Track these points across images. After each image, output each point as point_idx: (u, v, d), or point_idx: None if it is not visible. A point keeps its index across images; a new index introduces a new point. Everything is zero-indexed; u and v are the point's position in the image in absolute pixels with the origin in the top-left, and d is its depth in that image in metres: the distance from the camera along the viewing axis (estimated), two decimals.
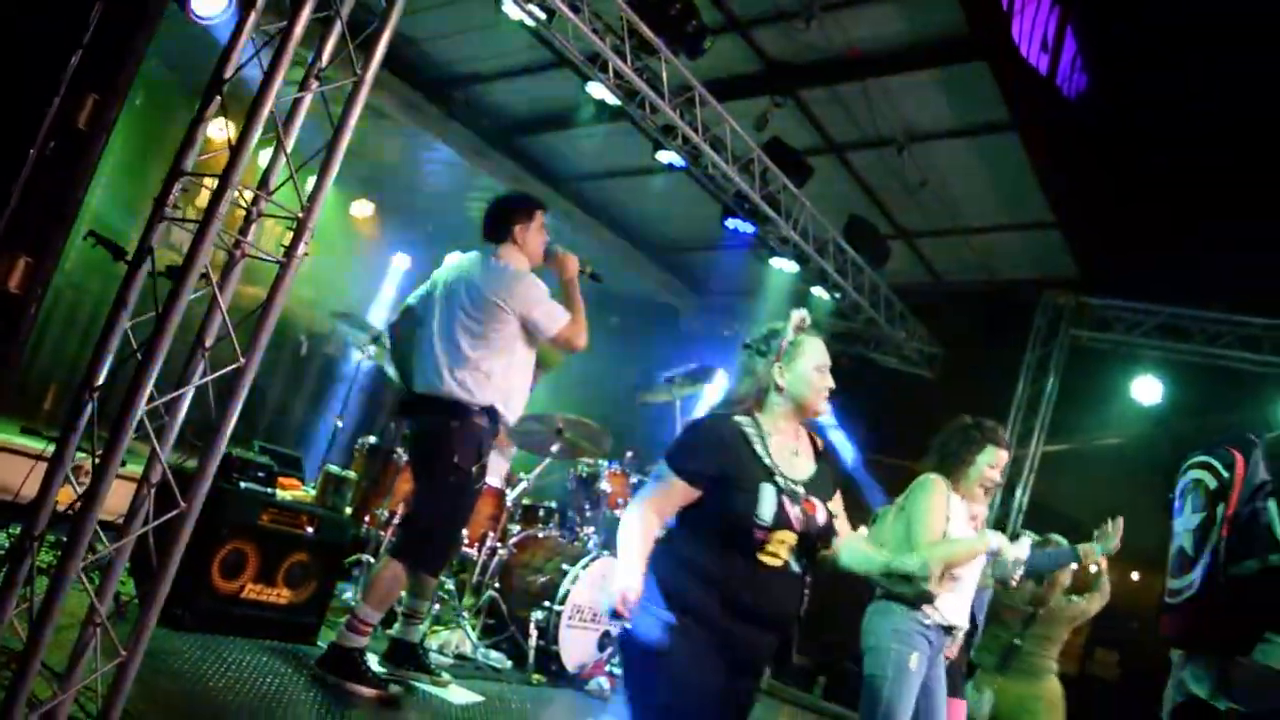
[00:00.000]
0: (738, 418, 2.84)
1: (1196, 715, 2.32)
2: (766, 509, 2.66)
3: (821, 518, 2.80)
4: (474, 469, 4.26)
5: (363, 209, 10.36)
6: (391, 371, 5.70)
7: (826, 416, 3.14)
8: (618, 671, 6.17)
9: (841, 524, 2.96)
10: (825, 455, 3.00)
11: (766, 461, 2.77)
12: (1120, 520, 5.21)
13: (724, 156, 7.21)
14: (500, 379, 4.29)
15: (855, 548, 3.04)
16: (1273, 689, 1.49)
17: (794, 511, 2.72)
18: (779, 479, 2.76)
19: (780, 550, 2.70)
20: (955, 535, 4.00)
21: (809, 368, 2.88)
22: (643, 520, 2.70)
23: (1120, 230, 8.11)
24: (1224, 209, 7.17)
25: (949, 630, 4.06)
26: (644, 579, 2.63)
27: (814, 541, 2.80)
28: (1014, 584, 4.61)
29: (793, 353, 2.89)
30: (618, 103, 6.72)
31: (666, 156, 7.24)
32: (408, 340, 4.53)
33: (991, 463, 4.21)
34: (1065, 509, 10.13)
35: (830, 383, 2.92)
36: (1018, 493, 9.36)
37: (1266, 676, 1.53)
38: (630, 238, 10.69)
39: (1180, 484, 2.70)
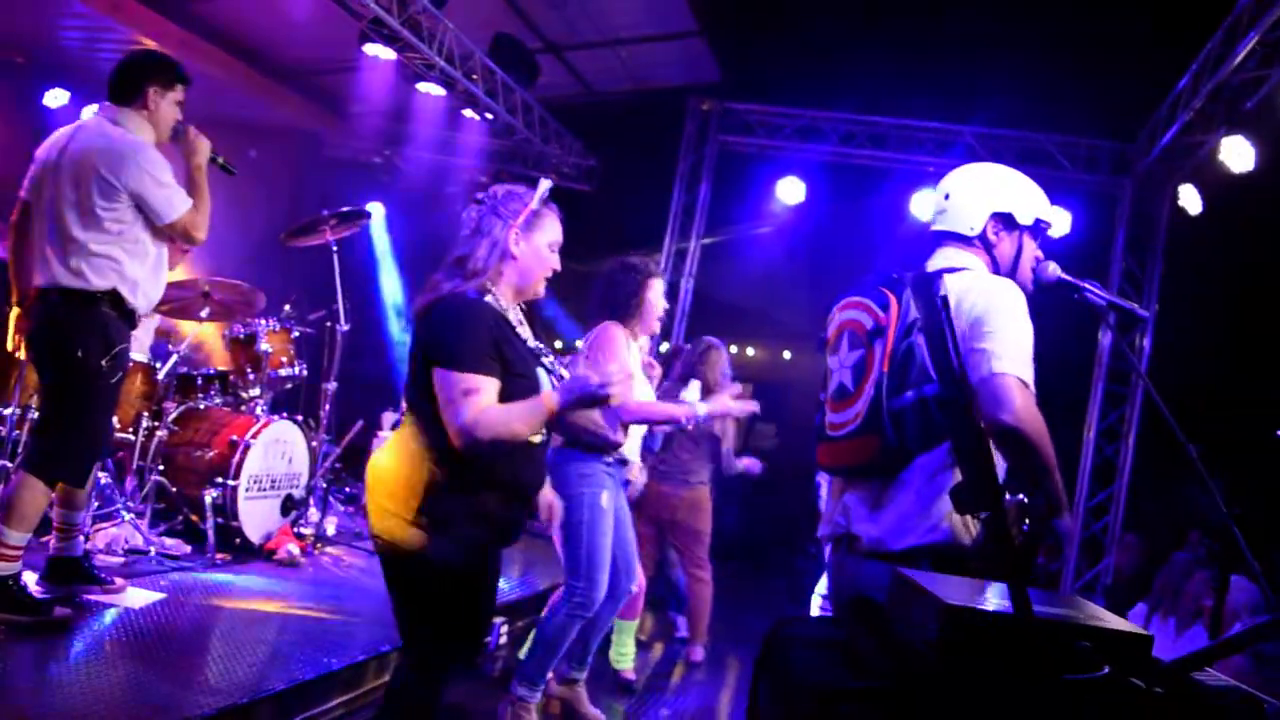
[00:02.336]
0: (486, 299, 2.68)
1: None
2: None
3: None
4: (104, 362, 3.79)
5: None
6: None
7: None
8: (305, 532, 6.05)
9: None
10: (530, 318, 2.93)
11: (531, 344, 2.70)
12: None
13: None
14: (124, 267, 3.80)
15: None
16: (907, 597, 1.64)
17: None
18: (543, 360, 2.73)
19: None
20: (636, 378, 4.19)
21: (544, 243, 2.76)
22: (506, 415, 2.53)
23: (760, 37, 8.35)
24: (850, 10, 7.51)
25: (625, 462, 4.32)
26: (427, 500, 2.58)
27: None
28: (690, 428, 4.93)
29: (533, 223, 2.74)
30: None
31: None
32: (24, 238, 3.91)
33: (659, 293, 4.38)
34: (725, 297, 10.80)
35: (558, 264, 2.80)
36: (683, 285, 9.77)
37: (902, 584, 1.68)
38: (258, 63, 9.74)
39: (833, 323, 2.87)
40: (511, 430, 2.52)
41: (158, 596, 4.42)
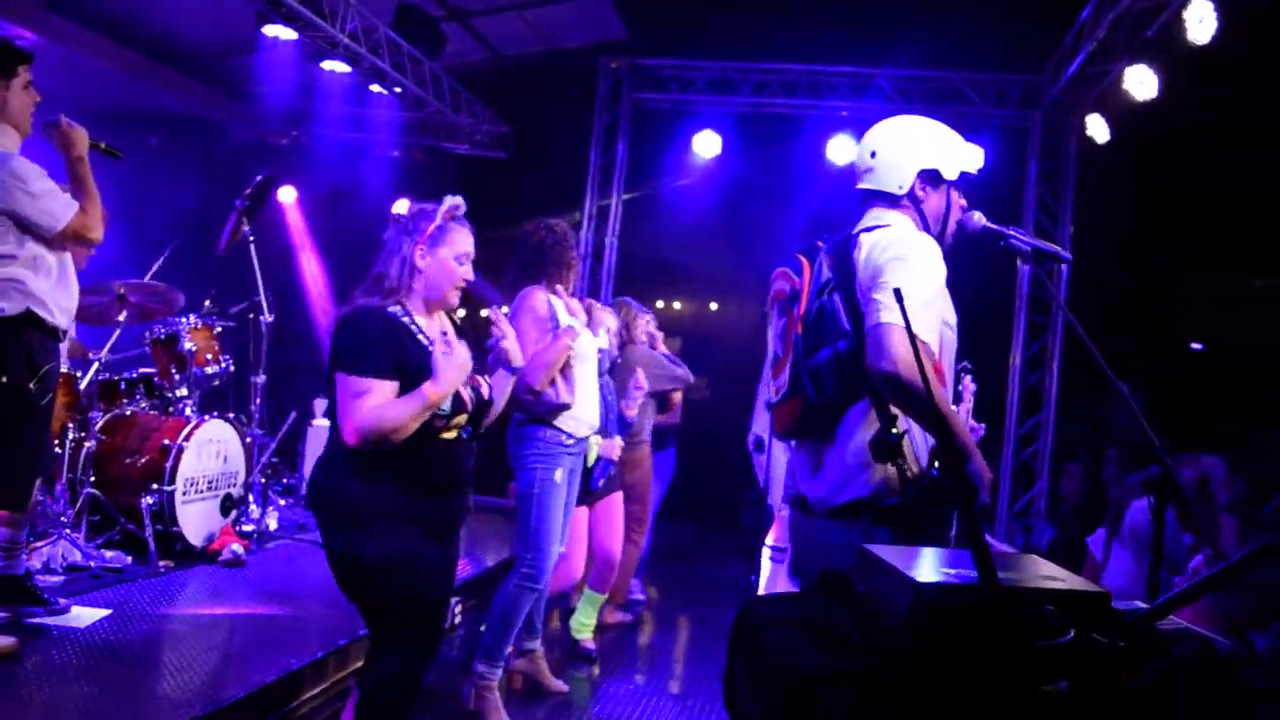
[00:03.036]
0: (390, 309, 2.79)
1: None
2: (445, 400, 2.72)
3: (484, 390, 2.93)
4: (32, 384, 3.67)
5: None
6: None
7: None
8: (247, 530, 5.97)
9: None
10: (462, 329, 3.07)
11: (431, 349, 2.77)
12: None
13: None
14: (28, 285, 3.63)
15: None
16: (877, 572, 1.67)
17: (466, 394, 2.81)
18: None
19: (455, 428, 2.83)
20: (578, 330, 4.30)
21: (450, 256, 2.85)
22: (383, 410, 2.66)
23: None
24: None
25: (584, 439, 4.40)
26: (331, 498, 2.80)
27: (482, 412, 2.95)
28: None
29: (439, 237, 2.84)
30: None
31: None
32: None
33: (576, 248, 4.51)
34: (650, 253, 10.77)
35: (469, 275, 2.90)
36: (607, 243, 9.73)
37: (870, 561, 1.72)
38: (150, 51, 9.34)
39: (769, 295, 2.92)
40: (388, 422, 2.65)
41: (104, 613, 4.32)
